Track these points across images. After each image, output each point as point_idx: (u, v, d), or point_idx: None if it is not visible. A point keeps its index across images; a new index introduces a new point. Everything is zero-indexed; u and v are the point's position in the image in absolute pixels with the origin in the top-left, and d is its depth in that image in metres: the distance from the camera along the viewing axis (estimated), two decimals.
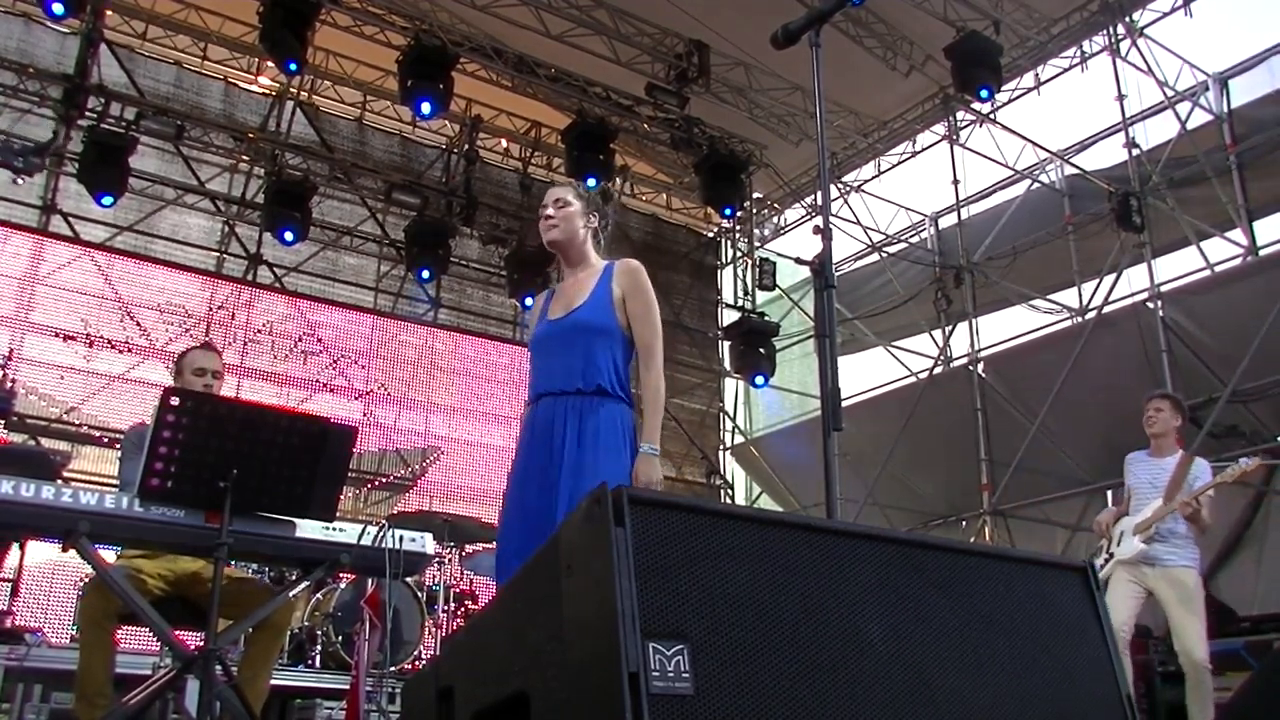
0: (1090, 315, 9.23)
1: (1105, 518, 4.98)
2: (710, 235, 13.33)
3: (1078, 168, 10.05)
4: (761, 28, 3.32)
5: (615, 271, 3.05)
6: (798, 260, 10.23)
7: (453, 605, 6.09)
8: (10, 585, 5.27)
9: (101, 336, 7.97)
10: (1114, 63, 9.22)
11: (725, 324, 12.23)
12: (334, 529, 3.05)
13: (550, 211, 3.09)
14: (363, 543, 3.09)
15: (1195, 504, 4.58)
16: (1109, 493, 9.55)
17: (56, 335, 7.83)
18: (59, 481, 3.96)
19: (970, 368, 10.33)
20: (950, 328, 10.83)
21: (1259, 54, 9.17)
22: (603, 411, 2.87)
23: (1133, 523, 4.79)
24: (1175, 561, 4.63)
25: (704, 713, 1.28)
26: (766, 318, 11.14)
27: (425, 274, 10.08)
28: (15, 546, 4.93)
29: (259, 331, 8.72)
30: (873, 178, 11.86)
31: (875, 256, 11.76)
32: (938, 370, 10.50)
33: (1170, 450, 4.87)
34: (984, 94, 8.65)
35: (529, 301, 10.09)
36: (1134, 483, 4.93)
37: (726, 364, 11.82)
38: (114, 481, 3.57)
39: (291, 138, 10.23)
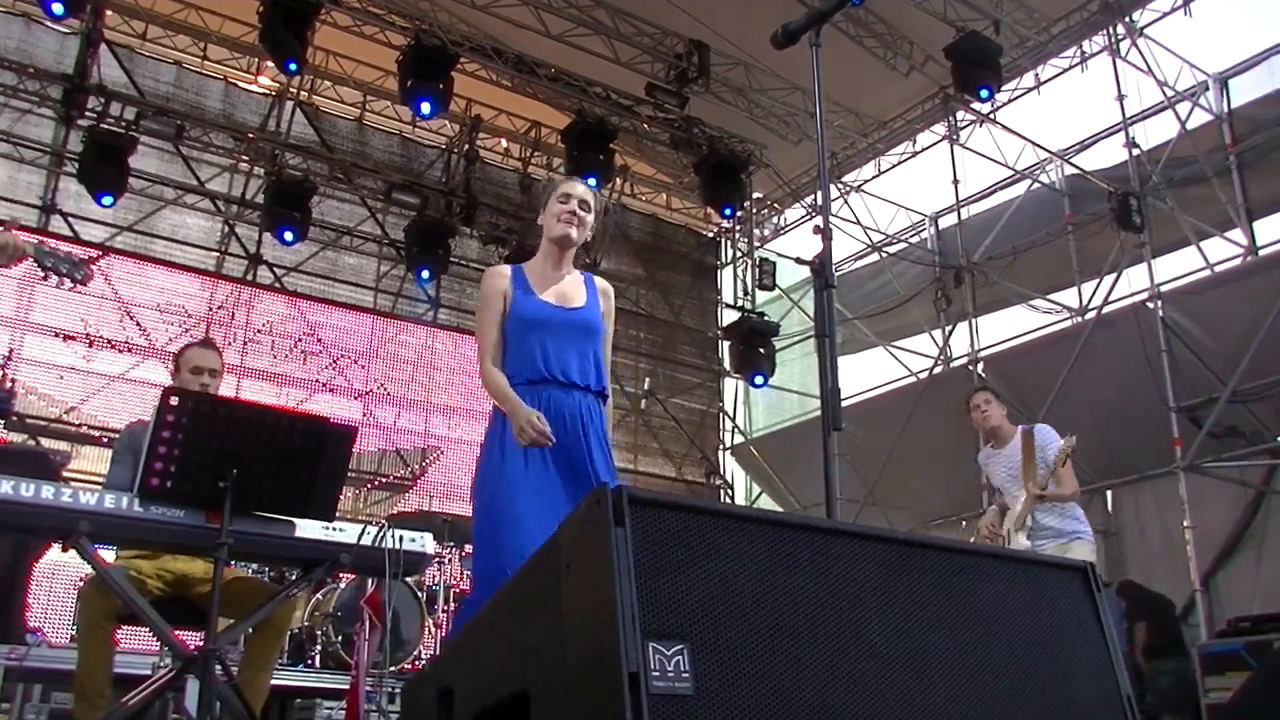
0: (1090, 315, 9.22)
1: (986, 523, 4.96)
2: (710, 235, 13.33)
3: (1078, 168, 10.04)
4: (761, 28, 3.33)
5: (599, 288, 3.08)
6: (798, 260, 10.24)
7: (453, 605, 6.08)
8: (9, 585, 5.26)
9: (101, 336, 7.97)
10: (1114, 63, 9.21)
11: (725, 324, 12.23)
12: (334, 529, 3.06)
13: (576, 209, 2.98)
14: (363, 543, 3.09)
15: (1043, 488, 4.64)
16: (1108, 492, 9.56)
17: (56, 335, 7.83)
18: (59, 481, 3.95)
19: (970, 368, 10.32)
20: (950, 328, 10.83)
21: (1259, 54, 9.17)
22: (602, 417, 2.91)
23: (1011, 521, 4.80)
24: (1063, 541, 4.64)
25: (704, 713, 1.28)
26: (766, 318, 11.14)
27: (425, 274, 10.08)
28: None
29: (259, 331, 8.72)
30: (873, 178, 11.86)
31: (875, 256, 11.75)
32: (938, 370, 10.49)
33: (1010, 435, 4.95)
34: (984, 94, 8.67)
35: None
36: (998, 482, 4.98)
37: (726, 364, 11.81)
38: None
39: (291, 138, 10.22)
